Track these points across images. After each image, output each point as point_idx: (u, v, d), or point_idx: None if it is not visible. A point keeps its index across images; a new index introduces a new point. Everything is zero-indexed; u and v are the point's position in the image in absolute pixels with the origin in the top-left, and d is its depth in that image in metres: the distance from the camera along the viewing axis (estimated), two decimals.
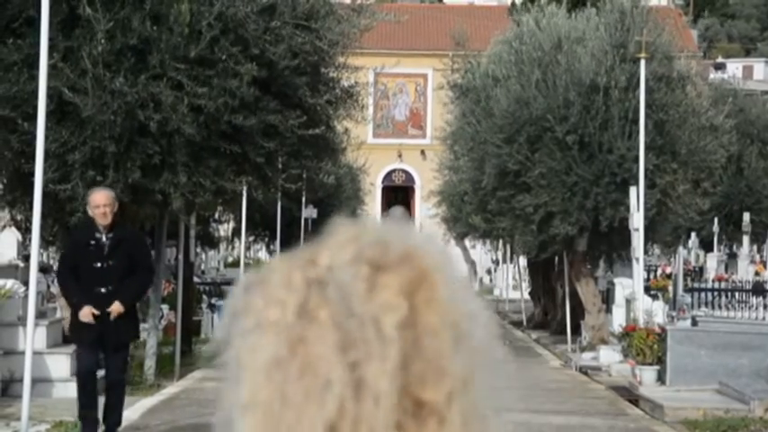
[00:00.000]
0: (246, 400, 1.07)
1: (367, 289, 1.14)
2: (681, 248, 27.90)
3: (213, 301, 26.01)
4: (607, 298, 23.41)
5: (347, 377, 1.09)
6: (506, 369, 1.31)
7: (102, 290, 10.61)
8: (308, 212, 34.97)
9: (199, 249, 30.40)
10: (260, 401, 1.07)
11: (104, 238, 10.63)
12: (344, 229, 1.22)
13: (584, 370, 19.51)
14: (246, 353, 1.09)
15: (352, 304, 1.13)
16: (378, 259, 1.16)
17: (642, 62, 18.91)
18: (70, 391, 14.68)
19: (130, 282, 10.70)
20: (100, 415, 11.00)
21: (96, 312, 10.57)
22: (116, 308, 10.61)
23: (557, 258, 25.53)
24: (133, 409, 13.53)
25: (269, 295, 1.11)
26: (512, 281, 38.28)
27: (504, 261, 39.83)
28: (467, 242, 45.80)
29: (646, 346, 16.71)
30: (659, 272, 35.10)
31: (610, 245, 22.22)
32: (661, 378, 16.35)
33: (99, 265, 10.57)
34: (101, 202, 10.69)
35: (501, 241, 34.76)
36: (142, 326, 20.03)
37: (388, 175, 69.11)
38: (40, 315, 14.63)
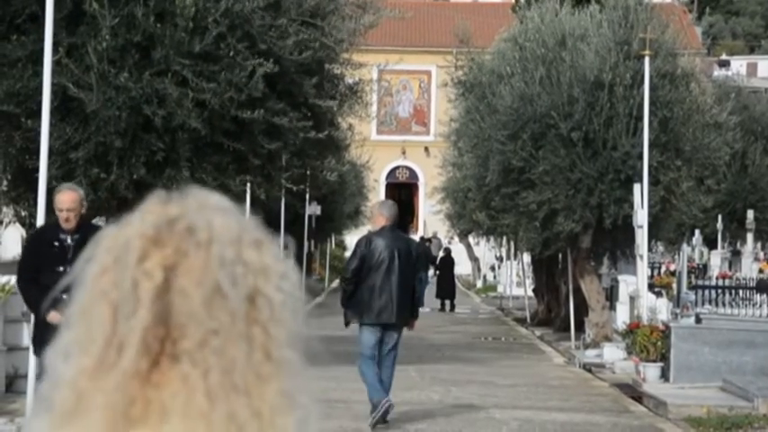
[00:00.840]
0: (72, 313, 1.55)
1: (138, 259, 1.49)
2: (684, 246, 27.89)
3: None
4: (611, 295, 23.41)
5: (110, 327, 1.48)
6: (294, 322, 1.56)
7: (65, 296, 9.25)
8: (312, 209, 34.98)
9: None
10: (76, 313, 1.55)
11: (69, 240, 9.58)
12: (152, 202, 1.55)
13: (587, 367, 19.51)
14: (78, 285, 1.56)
15: (125, 270, 1.49)
16: (157, 235, 1.50)
17: (646, 59, 18.90)
18: None
19: None
20: None
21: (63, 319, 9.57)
22: None
23: (560, 255, 25.53)
24: None
25: (97, 253, 1.56)
26: (515, 278, 38.28)
27: (508, 258, 39.82)
28: (471, 239, 45.78)
29: (649, 343, 16.71)
30: (663, 269, 35.08)
31: (614, 242, 22.22)
32: (665, 375, 16.35)
33: (62, 268, 9.16)
34: (63, 206, 9.61)
35: (505, 238, 34.77)
36: None
37: (392, 171, 69.11)
38: None
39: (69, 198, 9.65)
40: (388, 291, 12.31)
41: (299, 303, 1.60)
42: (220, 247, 1.51)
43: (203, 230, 1.52)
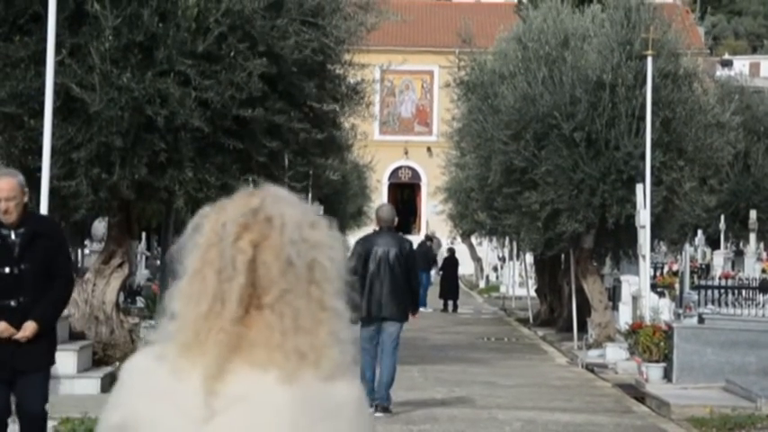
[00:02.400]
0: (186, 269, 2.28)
1: (234, 239, 2.24)
2: (687, 246, 27.89)
3: None
4: (613, 295, 23.40)
5: (216, 286, 2.23)
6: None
7: (12, 303, 7.89)
8: (315, 209, 34.99)
9: None
10: (189, 271, 2.28)
11: (13, 235, 7.86)
12: (240, 194, 2.30)
13: (590, 367, 19.50)
14: (189, 251, 2.28)
15: (226, 247, 2.24)
16: (246, 222, 2.25)
17: (649, 59, 18.89)
18: (77, 388, 14.71)
19: (50, 294, 7.96)
20: None
21: (12, 332, 7.89)
22: (30, 329, 7.89)
23: (563, 256, 25.52)
24: None
25: (203, 231, 2.26)
26: (518, 278, 38.27)
27: (511, 258, 39.81)
28: (473, 239, 45.78)
29: (652, 343, 16.70)
30: (666, 269, 35.06)
31: (616, 242, 22.21)
32: (667, 375, 16.34)
33: (8, 270, 7.82)
34: (1, 195, 7.84)
35: (507, 238, 34.77)
36: (149, 322, 20.08)
37: (395, 171, 69.11)
38: None
39: (8, 185, 7.88)
40: (378, 287, 13.12)
41: (343, 267, 2.33)
42: (290, 231, 2.26)
43: (278, 218, 2.27)
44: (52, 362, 8.68)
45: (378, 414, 13.00)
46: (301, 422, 2.28)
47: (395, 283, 13.19)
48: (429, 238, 41.07)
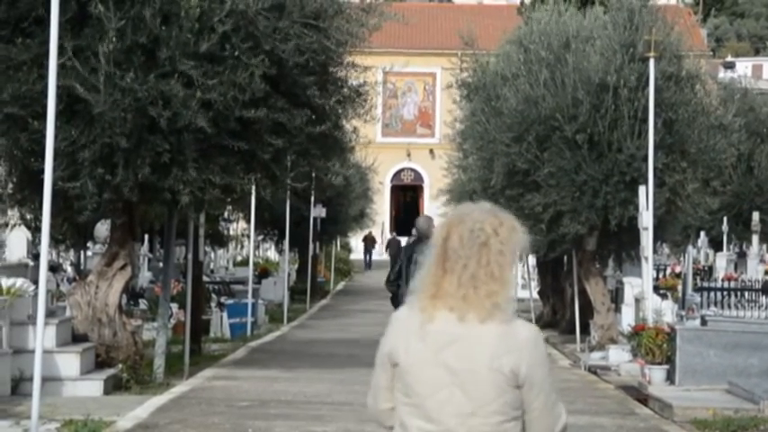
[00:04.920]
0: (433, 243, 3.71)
1: (440, 231, 3.69)
2: (690, 248, 27.85)
3: (222, 299, 26.03)
4: (616, 297, 23.38)
5: (434, 257, 3.67)
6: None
7: None
8: (317, 212, 34.98)
9: (208, 248, 30.44)
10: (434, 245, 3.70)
11: None
12: (457, 209, 3.80)
13: (593, 369, 19.49)
14: (434, 234, 3.73)
15: (438, 234, 3.69)
16: (450, 221, 3.69)
17: (651, 61, 18.88)
18: (80, 389, 14.72)
19: None
20: None
21: None
22: None
23: (566, 257, 25.50)
24: (142, 408, 13.56)
25: (448, 221, 3.71)
26: (521, 280, 38.23)
27: None
28: None
29: (655, 345, 16.69)
30: (668, 271, 35.03)
31: (619, 244, 22.20)
32: (670, 377, 16.33)
33: None
34: None
35: None
36: (152, 324, 20.10)
37: (397, 173, 69.14)
38: (50, 314, 14.66)
39: None
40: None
41: (512, 251, 3.61)
42: (470, 224, 3.62)
43: (466, 217, 3.66)
44: None
45: None
46: (498, 351, 3.57)
47: None
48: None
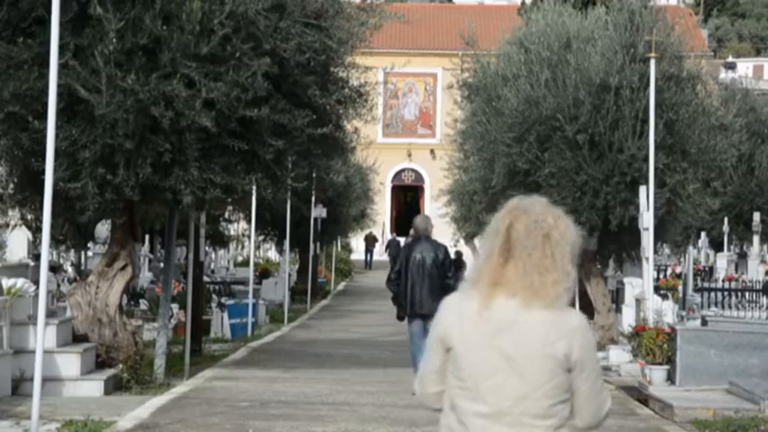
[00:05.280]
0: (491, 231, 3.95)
1: (502, 219, 3.91)
2: (691, 248, 27.86)
3: (223, 300, 26.04)
4: (617, 298, 23.38)
5: (491, 245, 3.91)
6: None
7: None
8: (318, 212, 34.98)
9: (209, 248, 30.44)
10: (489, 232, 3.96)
11: None
12: (514, 199, 3.99)
13: None
14: (494, 224, 3.96)
15: (498, 224, 3.91)
16: (510, 211, 3.92)
17: (652, 62, 18.87)
18: (80, 390, 14.72)
19: None
20: None
21: None
22: None
23: None
24: (143, 408, 13.56)
25: (510, 212, 3.94)
26: None
27: None
28: (476, 242, 45.73)
29: (655, 345, 16.69)
30: (669, 271, 35.04)
31: (619, 244, 22.19)
32: (671, 378, 16.33)
33: None
34: None
35: None
36: (152, 324, 20.11)
37: (398, 174, 69.13)
38: (51, 314, 14.66)
39: None
40: (418, 288, 15.17)
41: (571, 244, 3.86)
42: (533, 216, 3.85)
43: (529, 209, 3.87)
44: None
45: None
46: (551, 336, 3.82)
47: (432, 284, 15.12)
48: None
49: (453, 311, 3.93)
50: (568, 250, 3.85)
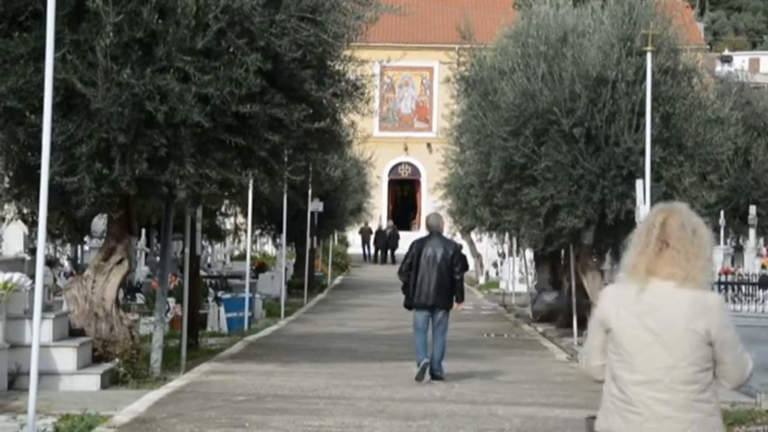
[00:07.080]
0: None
1: (655, 216, 4.82)
2: None
3: (219, 294, 26.03)
4: None
5: (645, 237, 4.79)
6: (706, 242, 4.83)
7: None
8: (315, 206, 34.95)
9: (205, 243, 30.42)
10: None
11: None
12: (661, 204, 4.93)
13: None
14: (648, 220, 4.88)
15: (652, 219, 4.85)
16: (662, 211, 4.82)
17: (648, 55, 18.87)
18: (77, 384, 14.72)
19: None
20: None
21: None
22: None
23: (563, 251, 25.50)
24: (139, 402, 13.56)
25: (662, 211, 4.84)
26: (518, 274, 38.27)
27: (511, 254, 39.81)
28: (473, 235, 45.77)
29: None
30: None
31: (616, 238, 22.18)
32: None
33: None
34: None
35: (507, 234, 34.75)
36: (149, 319, 20.11)
37: (395, 168, 69.11)
38: (47, 308, 14.66)
39: None
40: (427, 281, 16.09)
41: (709, 237, 4.73)
42: (684, 215, 4.74)
43: (681, 208, 4.78)
44: None
45: (433, 381, 16.04)
46: (691, 314, 4.60)
47: (440, 278, 16.10)
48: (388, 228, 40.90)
49: (611, 298, 4.78)
50: (709, 243, 4.70)
